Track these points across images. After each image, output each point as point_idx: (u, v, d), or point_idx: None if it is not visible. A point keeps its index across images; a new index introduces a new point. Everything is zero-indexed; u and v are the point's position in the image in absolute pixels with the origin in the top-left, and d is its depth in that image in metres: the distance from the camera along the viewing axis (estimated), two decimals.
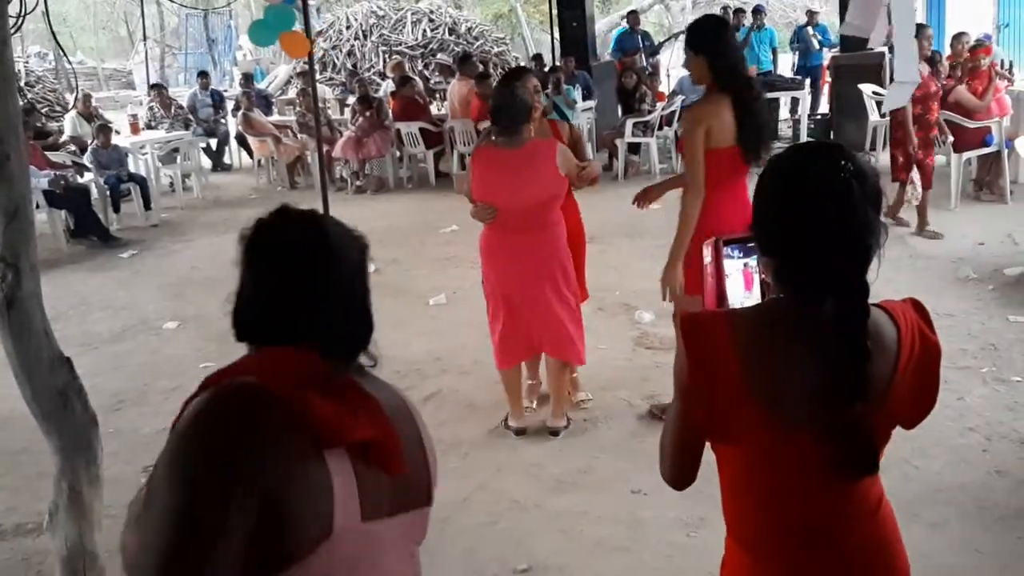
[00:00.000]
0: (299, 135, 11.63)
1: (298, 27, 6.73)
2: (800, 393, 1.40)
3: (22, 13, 2.69)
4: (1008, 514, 3.34)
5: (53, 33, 5.56)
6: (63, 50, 8.96)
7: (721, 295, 1.74)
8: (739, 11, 14.17)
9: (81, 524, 2.73)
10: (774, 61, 13.52)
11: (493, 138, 4.00)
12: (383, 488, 1.33)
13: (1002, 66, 9.00)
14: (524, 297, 4.02)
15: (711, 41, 3.66)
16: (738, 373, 1.41)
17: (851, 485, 1.46)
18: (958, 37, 8.63)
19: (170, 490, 1.19)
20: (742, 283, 1.76)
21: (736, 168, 3.65)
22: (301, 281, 1.35)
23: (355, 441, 1.27)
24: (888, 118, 7.45)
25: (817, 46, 13.27)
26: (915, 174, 6.96)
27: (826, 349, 1.38)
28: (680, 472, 1.56)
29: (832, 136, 11.24)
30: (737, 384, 1.41)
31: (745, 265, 1.76)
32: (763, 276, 1.66)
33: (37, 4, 3.11)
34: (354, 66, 15.16)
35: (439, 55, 14.81)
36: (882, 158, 8.43)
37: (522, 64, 16.11)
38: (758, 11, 13.54)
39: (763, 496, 1.48)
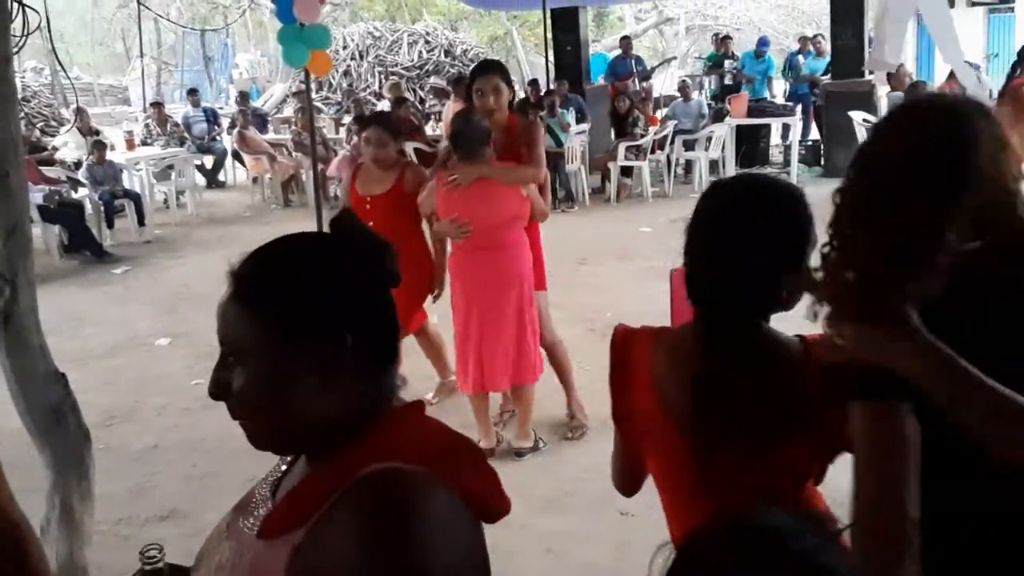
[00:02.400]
0: (294, 153, 11.68)
1: None
2: (689, 409, 1.45)
3: (25, 32, 2.73)
4: None
5: (55, 51, 5.61)
6: (63, 68, 9.00)
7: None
8: (726, 38, 14.33)
9: (72, 539, 2.75)
10: (769, 88, 13.70)
11: (454, 159, 4.11)
12: None
13: (991, 96, 9.11)
14: (484, 317, 4.09)
15: None
16: (652, 391, 1.49)
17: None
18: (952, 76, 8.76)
19: None
20: None
21: None
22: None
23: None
24: None
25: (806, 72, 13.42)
26: None
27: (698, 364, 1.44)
28: (623, 479, 1.65)
29: (823, 162, 11.38)
30: (651, 402, 1.49)
31: None
32: None
33: (40, 23, 3.15)
34: (350, 86, 15.26)
35: (433, 77, 14.93)
36: None
37: (514, 83, 16.26)
38: (763, 42, 13.77)
39: (686, 517, 1.52)
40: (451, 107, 10.86)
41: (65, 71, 9.90)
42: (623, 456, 1.62)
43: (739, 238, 1.41)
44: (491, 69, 4.37)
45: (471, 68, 4.69)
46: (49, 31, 4.09)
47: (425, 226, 4.50)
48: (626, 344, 1.54)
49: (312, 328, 1.08)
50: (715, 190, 1.53)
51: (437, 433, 1.16)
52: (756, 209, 1.43)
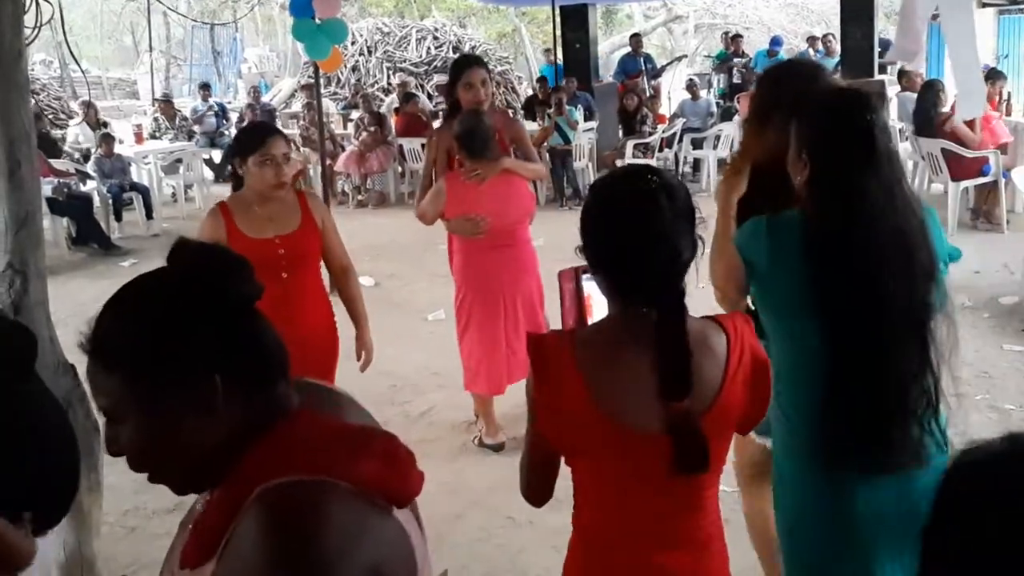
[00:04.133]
0: (301, 149, 11.68)
1: None
2: (638, 399, 1.48)
3: (38, 24, 2.73)
4: None
5: (67, 42, 5.61)
6: (77, 61, 8.99)
7: (582, 321, 1.81)
8: (737, 36, 14.30)
9: (80, 530, 2.75)
10: None
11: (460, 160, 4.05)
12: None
13: (1001, 97, 9.08)
14: (511, 313, 4.08)
15: None
16: (583, 390, 1.50)
17: (691, 500, 1.54)
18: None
19: None
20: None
21: None
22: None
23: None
24: None
25: None
26: None
27: (651, 353, 1.47)
28: (535, 489, 1.67)
29: None
30: (583, 401, 1.50)
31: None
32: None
33: (52, 15, 3.16)
34: (358, 81, 15.26)
35: (441, 74, 14.93)
36: None
37: (522, 80, 16.24)
38: (776, 41, 13.79)
39: (611, 502, 1.57)
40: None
41: (79, 63, 9.88)
42: (541, 462, 1.63)
43: (665, 231, 1.47)
44: (478, 62, 4.37)
45: (453, 62, 4.63)
46: (62, 23, 4.08)
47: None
48: (540, 350, 1.56)
49: (175, 374, 1.07)
50: (615, 187, 1.56)
51: (329, 432, 1.12)
52: (671, 199, 1.48)
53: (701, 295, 1.58)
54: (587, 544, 1.62)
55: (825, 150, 1.89)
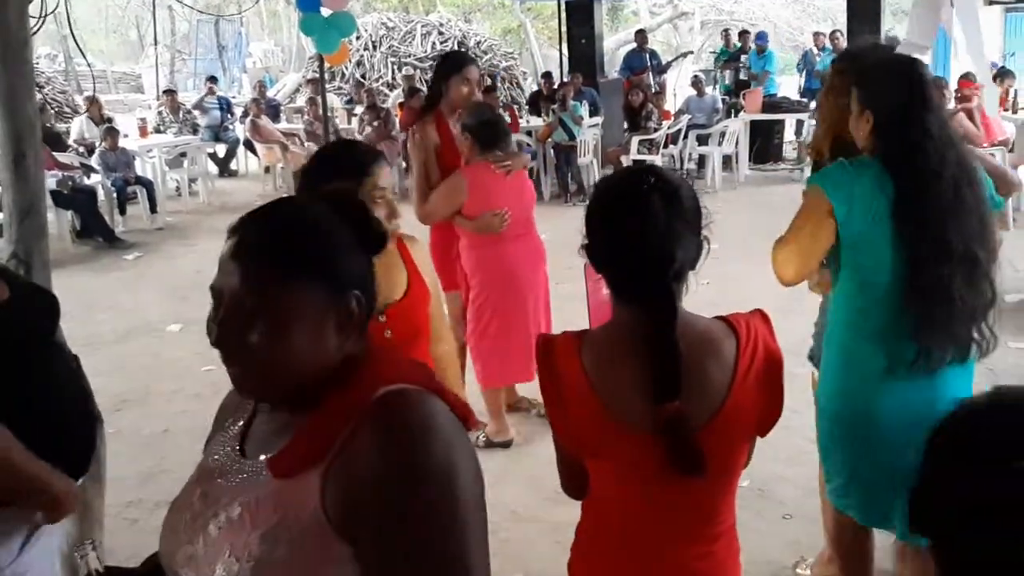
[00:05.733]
0: (306, 143, 11.69)
1: None
2: (636, 400, 1.48)
3: (42, 14, 2.73)
4: None
5: (74, 36, 5.63)
6: (83, 53, 9.01)
7: (604, 316, 1.80)
8: (744, 32, 14.26)
9: (83, 522, 2.74)
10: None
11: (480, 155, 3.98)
12: None
13: (1007, 96, 9.07)
14: (537, 303, 4.11)
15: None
16: (589, 390, 1.50)
17: (694, 499, 1.53)
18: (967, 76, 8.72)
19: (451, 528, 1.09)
20: None
21: None
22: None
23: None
24: None
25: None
26: None
27: (645, 352, 1.47)
28: (568, 486, 1.69)
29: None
30: (590, 401, 1.50)
31: None
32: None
33: (57, 5, 3.15)
34: (362, 76, 15.25)
35: None
36: None
37: (527, 76, 16.21)
38: (761, 36, 13.70)
39: (620, 501, 1.57)
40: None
41: (85, 56, 9.90)
42: (563, 459, 1.65)
43: (656, 233, 1.46)
44: (473, 59, 4.38)
45: (445, 56, 4.56)
46: (68, 16, 4.08)
47: None
48: (549, 353, 1.55)
49: (337, 288, 1.15)
50: (612, 188, 1.57)
51: (410, 364, 1.25)
52: (668, 201, 1.47)
53: (704, 295, 1.56)
54: (592, 540, 1.62)
55: (887, 101, 2.21)
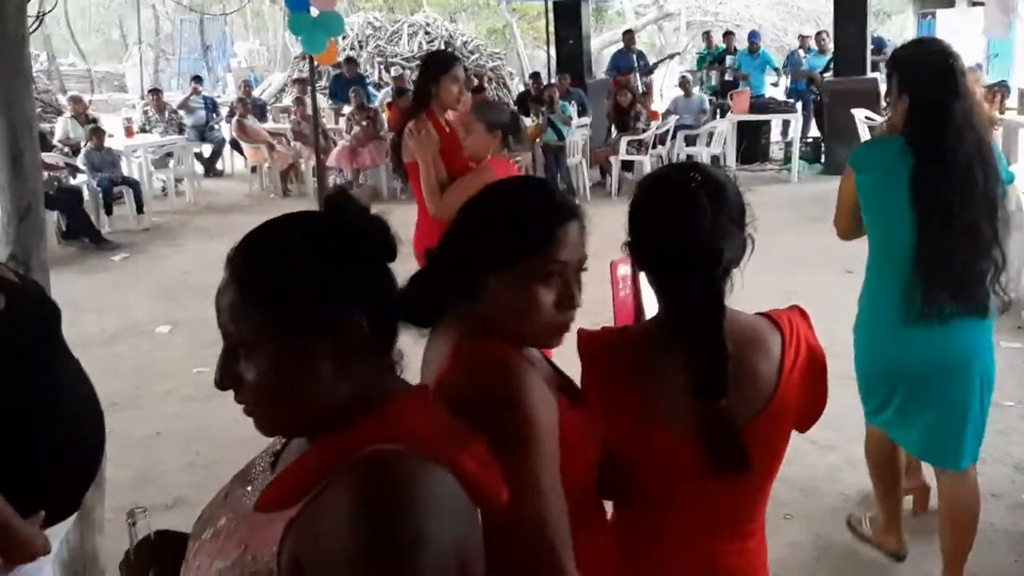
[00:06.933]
0: (293, 143, 11.63)
1: None
2: (679, 397, 1.46)
3: (41, 12, 2.69)
4: (1002, 537, 3.37)
5: (73, 37, 5.56)
6: (83, 54, 8.96)
7: (639, 310, 1.78)
8: (729, 33, 14.29)
9: (82, 526, 2.71)
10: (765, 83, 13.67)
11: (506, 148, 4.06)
12: None
13: (993, 94, 9.16)
14: None
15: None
16: (632, 388, 1.48)
17: (733, 496, 1.52)
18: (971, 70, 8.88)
19: None
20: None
21: None
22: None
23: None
24: None
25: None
26: None
27: (690, 351, 1.45)
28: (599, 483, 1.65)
29: (823, 159, 11.37)
30: (633, 399, 1.48)
31: None
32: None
33: (56, 3, 3.12)
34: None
35: None
36: None
37: (513, 76, 16.20)
38: (753, 35, 13.72)
39: (657, 500, 1.55)
40: (466, 100, 10.81)
41: (83, 56, 9.84)
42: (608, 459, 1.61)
43: (703, 230, 1.43)
44: (459, 58, 4.39)
45: (431, 56, 4.59)
46: (67, 17, 4.04)
47: None
48: (593, 350, 1.54)
49: (324, 312, 1.05)
50: (657, 185, 1.54)
51: (440, 418, 1.13)
52: (714, 198, 1.45)
53: (747, 293, 1.54)
54: (630, 539, 1.60)
55: (921, 85, 2.54)
